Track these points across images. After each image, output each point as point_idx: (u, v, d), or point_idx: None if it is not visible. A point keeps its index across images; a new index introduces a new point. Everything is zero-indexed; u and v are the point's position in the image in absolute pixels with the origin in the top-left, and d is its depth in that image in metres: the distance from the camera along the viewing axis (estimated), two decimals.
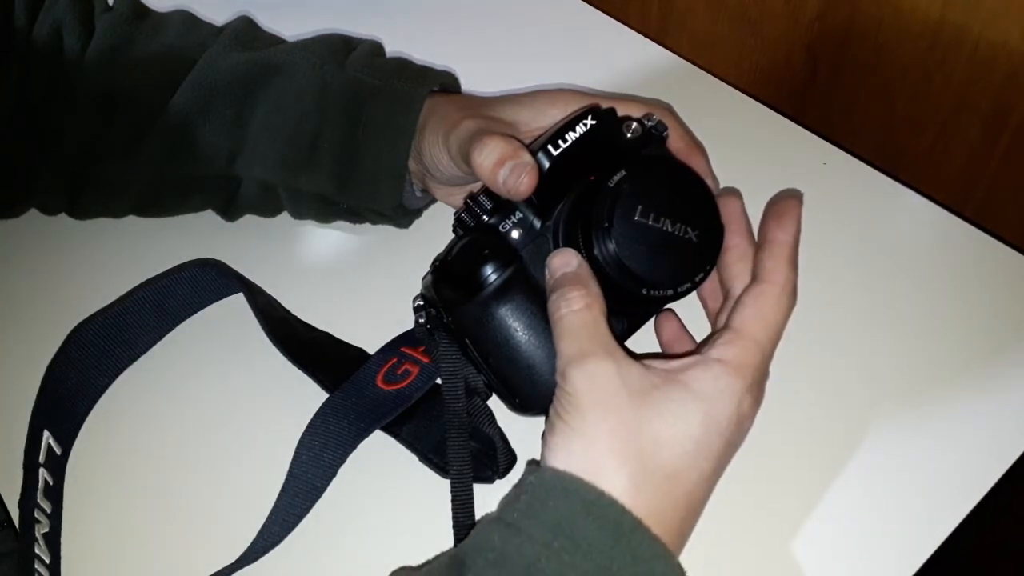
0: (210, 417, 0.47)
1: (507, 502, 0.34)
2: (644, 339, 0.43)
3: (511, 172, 0.39)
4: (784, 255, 0.37)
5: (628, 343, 0.43)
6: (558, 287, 0.37)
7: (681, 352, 0.41)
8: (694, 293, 0.39)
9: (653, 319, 0.45)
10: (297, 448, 0.42)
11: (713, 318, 0.41)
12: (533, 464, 0.35)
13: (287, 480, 0.42)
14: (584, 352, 0.34)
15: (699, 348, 0.36)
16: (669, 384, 0.34)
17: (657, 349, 0.45)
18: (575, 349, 0.35)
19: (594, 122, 0.40)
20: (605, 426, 0.33)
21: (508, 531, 0.32)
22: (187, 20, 0.52)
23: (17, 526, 0.42)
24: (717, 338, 0.36)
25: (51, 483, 0.43)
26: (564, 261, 0.37)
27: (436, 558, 0.36)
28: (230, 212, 0.52)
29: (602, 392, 0.33)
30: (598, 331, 0.35)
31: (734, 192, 0.41)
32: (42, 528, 0.42)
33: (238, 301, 0.49)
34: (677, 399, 0.34)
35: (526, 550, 0.31)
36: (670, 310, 0.44)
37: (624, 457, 0.32)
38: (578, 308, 0.35)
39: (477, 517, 0.41)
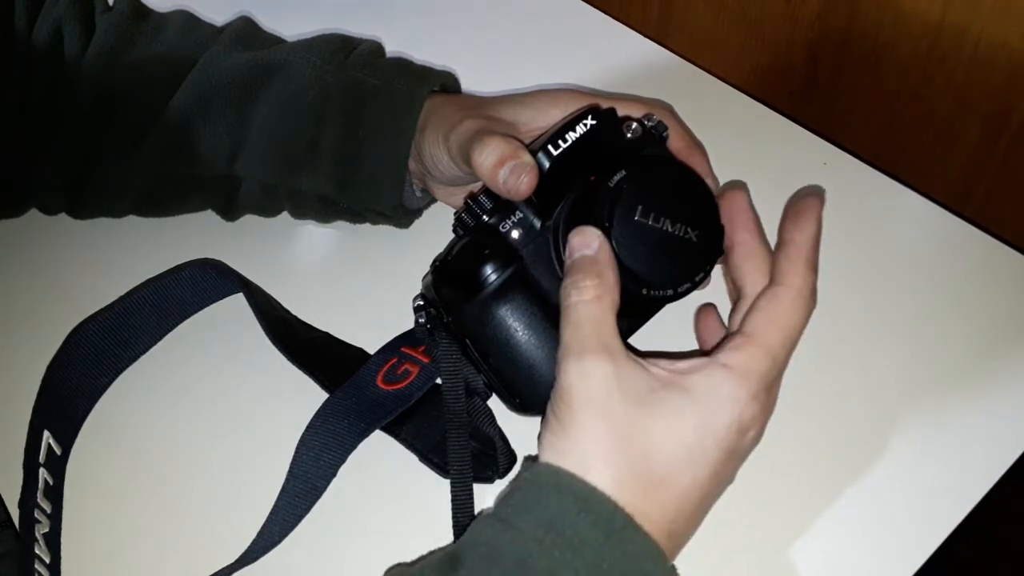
0: (210, 417, 0.47)
1: (502, 498, 0.34)
2: (645, 339, 0.43)
3: (511, 172, 0.39)
4: (801, 256, 0.36)
5: (630, 342, 0.43)
6: (573, 271, 0.36)
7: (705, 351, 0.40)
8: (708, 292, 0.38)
9: (693, 313, 0.44)
10: (297, 448, 0.42)
11: (728, 319, 0.41)
12: (529, 460, 0.35)
13: (287, 480, 0.42)
14: (583, 348, 0.34)
15: (712, 351, 0.36)
16: (668, 388, 0.33)
17: (658, 347, 0.45)
18: (576, 344, 0.34)
19: (594, 122, 0.40)
20: (593, 426, 0.33)
21: (501, 526, 0.32)
22: (187, 20, 0.52)
23: (17, 526, 0.42)
24: (728, 342, 0.35)
25: (51, 483, 0.43)
26: (584, 241, 0.36)
27: (431, 554, 0.36)
28: (230, 212, 0.52)
29: (595, 391, 0.33)
30: (602, 327, 0.34)
31: (740, 185, 0.40)
32: (42, 528, 0.42)
33: (238, 301, 0.49)
34: (673, 404, 0.33)
35: (518, 545, 0.31)
36: (711, 304, 0.44)
37: (610, 458, 0.32)
38: (588, 299, 0.34)
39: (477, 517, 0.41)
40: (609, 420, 0.33)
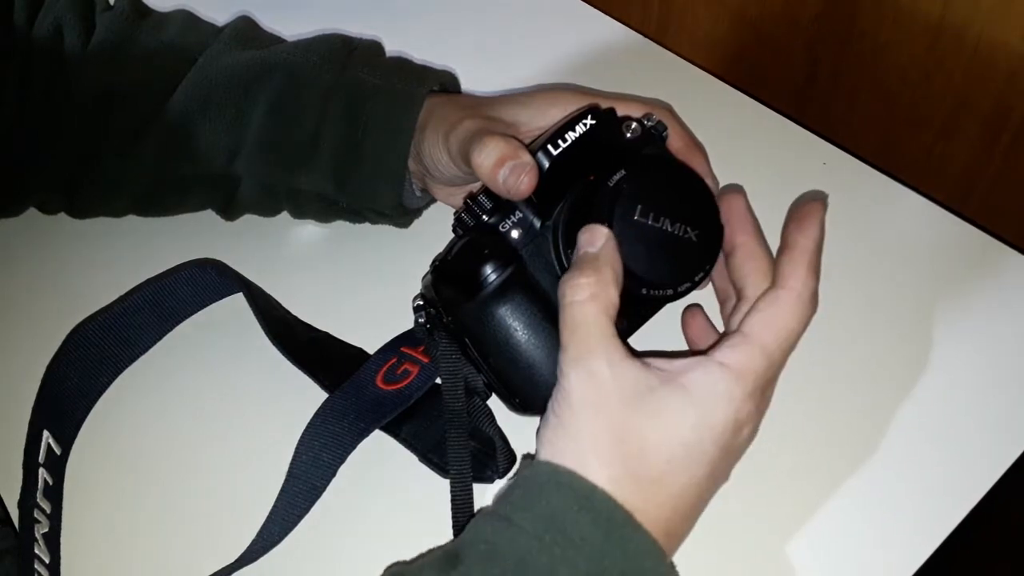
0: (210, 417, 0.47)
1: (501, 496, 0.34)
2: (644, 339, 0.43)
3: (511, 172, 0.39)
4: (803, 260, 0.36)
5: (629, 342, 0.43)
6: (572, 269, 0.36)
7: (700, 350, 0.40)
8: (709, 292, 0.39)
9: (680, 313, 0.44)
10: (297, 448, 0.42)
11: (725, 319, 0.41)
12: (528, 458, 0.35)
13: (287, 480, 0.42)
14: (580, 349, 0.34)
15: (709, 349, 0.36)
16: (666, 386, 0.34)
17: (658, 347, 0.45)
18: (573, 344, 0.34)
19: (594, 122, 0.40)
20: (592, 426, 0.33)
21: (501, 524, 0.32)
22: (188, 19, 0.52)
23: (17, 527, 0.42)
24: (725, 341, 0.35)
25: (51, 483, 0.43)
26: (590, 239, 0.36)
27: (430, 552, 0.36)
28: (230, 211, 0.52)
29: (594, 392, 0.33)
30: (598, 326, 0.34)
31: (738, 189, 0.40)
32: (42, 528, 0.42)
33: (238, 301, 0.49)
34: (671, 403, 0.33)
35: (518, 543, 0.32)
36: (697, 305, 0.44)
37: (607, 458, 0.32)
38: (582, 298, 0.35)
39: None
40: (607, 420, 0.33)
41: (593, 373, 0.33)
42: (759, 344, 0.34)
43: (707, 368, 0.34)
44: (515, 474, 0.35)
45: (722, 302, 0.42)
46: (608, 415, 0.33)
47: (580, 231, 0.37)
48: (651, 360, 0.35)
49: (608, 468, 0.32)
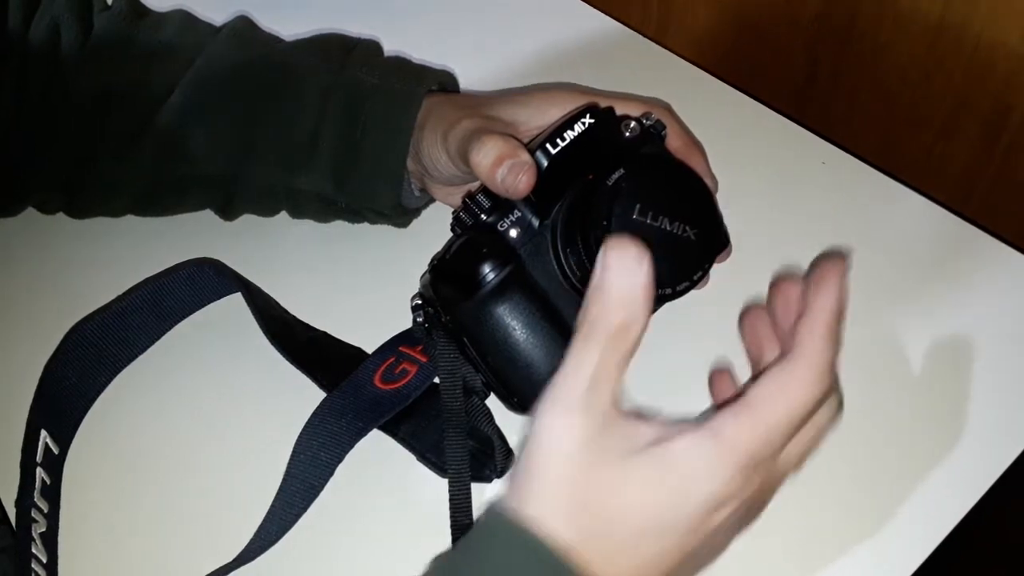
0: (208, 417, 0.47)
1: (462, 542, 0.33)
2: (647, 339, 0.43)
3: (509, 171, 0.39)
4: (819, 325, 0.31)
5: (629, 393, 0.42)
6: (604, 299, 0.30)
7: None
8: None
9: (707, 376, 0.40)
10: (295, 447, 0.42)
11: (757, 370, 0.37)
12: (494, 502, 0.32)
13: (284, 479, 0.42)
14: (568, 398, 0.30)
15: (711, 415, 0.32)
16: (648, 451, 0.30)
17: (657, 348, 0.45)
18: (563, 389, 0.31)
19: (592, 121, 0.40)
20: (557, 482, 0.30)
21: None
22: (186, 19, 0.52)
23: (14, 526, 0.42)
24: (728, 407, 0.31)
25: (48, 483, 0.43)
26: (622, 264, 0.30)
27: None
28: (228, 211, 0.52)
29: (566, 447, 0.30)
30: (606, 374, 0.30)
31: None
32: (39, 528, 0.42)
33: (237, 301, 0.49)
34: (649, 470, 0.30)
35: None
36: (725, 370, 0.40)
37: (570, 519, 0.30)
38: (602, 339, 0.30)
39: (475, 516, 0.41)
40: (574, 480, 0.30)
41: (571, 426, 0.30)
42: (758, 415, 0.30)
43: (696, 438, 0.30)
44: (478, 518, 0.33)
45: (752, 362, 0.37)
46: (576, 474, 0.30)
47: (610, 240, 0.31)
48: (649, 419, 0.32)
49: (568, 525, 0.30)
